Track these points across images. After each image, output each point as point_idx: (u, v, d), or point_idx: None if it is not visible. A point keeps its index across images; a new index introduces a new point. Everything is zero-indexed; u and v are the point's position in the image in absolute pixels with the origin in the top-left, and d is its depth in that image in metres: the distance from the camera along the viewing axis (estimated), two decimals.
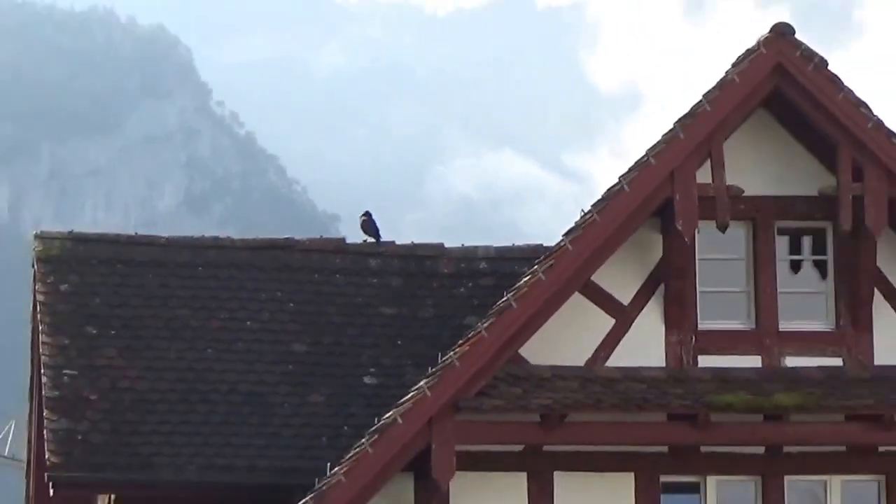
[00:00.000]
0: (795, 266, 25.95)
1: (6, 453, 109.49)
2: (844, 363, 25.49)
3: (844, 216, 25.21)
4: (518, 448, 24.93)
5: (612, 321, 25.41)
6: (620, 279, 25.50)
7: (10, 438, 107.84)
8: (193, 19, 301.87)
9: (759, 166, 25.74)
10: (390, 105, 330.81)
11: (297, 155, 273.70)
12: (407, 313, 28.45)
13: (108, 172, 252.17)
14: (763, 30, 26.08)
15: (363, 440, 24.46)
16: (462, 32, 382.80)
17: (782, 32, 25.59)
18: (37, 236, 29.82)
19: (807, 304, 25.80)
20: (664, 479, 25.28)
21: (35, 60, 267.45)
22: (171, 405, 27.47)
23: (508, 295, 25.15)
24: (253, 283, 29.15)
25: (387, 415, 24.64)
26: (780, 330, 25.61)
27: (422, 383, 24.63)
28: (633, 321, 25.48)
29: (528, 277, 25.27)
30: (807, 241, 25.96)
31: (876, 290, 25.59)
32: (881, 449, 25.29)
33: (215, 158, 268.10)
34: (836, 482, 25.45)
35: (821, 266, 25.90)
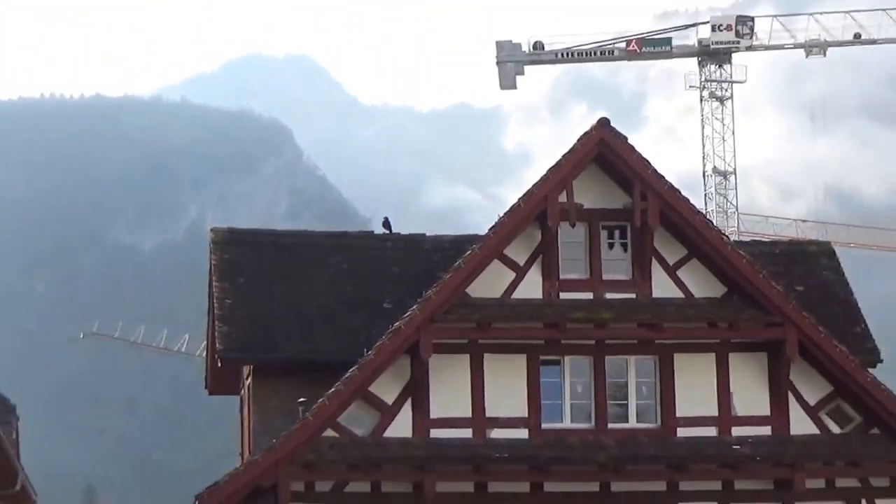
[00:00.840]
0: (611, 245, 25.76)
1: (184, 350, 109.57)
2: (636, 296, 25.49)
3: (636, 220, 25.23)
4: (465, 341, 24.92)
5: (514, 274, 25.38)
6: (519, 252, 25.41)
7: (186, 343, 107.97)
8: (293, 115, 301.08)
9: (591, 192, 25.61)
10: (397, 159, 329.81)
11: (347, 185, 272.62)
12: (406, 270, 28.14)
13: (248, 196, 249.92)
14: (593, 121, 26.17)
15: (384, 337, 24.55)
16: (434, 121, 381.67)
17: (603, 122, 25.58)
18: (212, 230, 29.59)
19: (616, 265, 25.69)
20: (542, 357, 25.27)
21: (206, 136, 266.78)
22: (285, 319, 27.40)
23: (459, 261, 25.15)
24: (328, 255, 28.86)
25: (396, 323, 24.69)
26: (603, 279, 25.58)
27: (414, 307, 24.69)
28: (525, 274, 25.43)
29: (469, 251, 25.25)
30: (617, 232, 25.78)
31: (653, 258, 25.63)
32: (656, 341, 25.33)
33: (306, 188, 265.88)
34: (632, 360, 25.48)
35: (624, 245, 25.73)
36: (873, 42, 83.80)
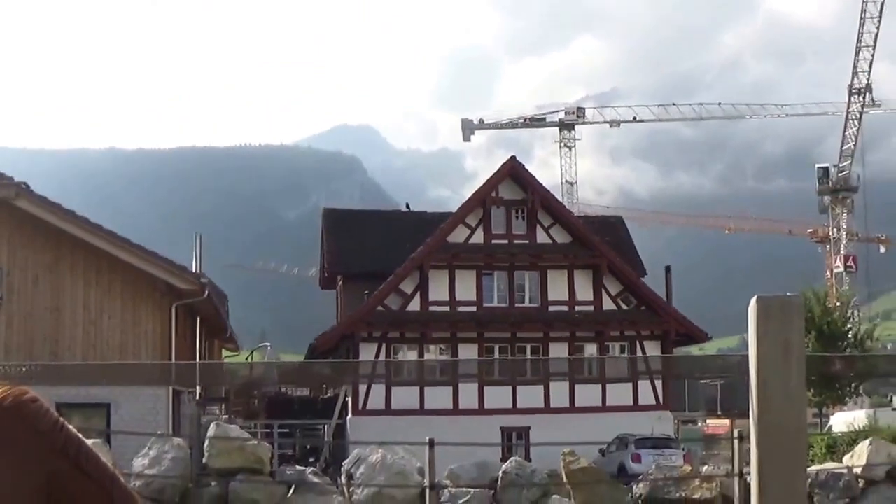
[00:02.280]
0: (517, 217, 25.16)
1: (295, 273, 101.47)
2: (529, 242, 25.06)
3: (529, 205, 24.87)
4: (445, 263, 24.50)
5: (469, 231, 24.88)
6: (472, 220, 24.91)
7: (297, 270, 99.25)
8: (362, 153, 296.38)
9: (507, 191, 24.95)
10: (413, 174, 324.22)
11: (388, 187, 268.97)
12: (418, 229, 26.94)
13: (340, 192, 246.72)
14: (506, 156, 25.80)
15: (406, 262, 24.10)
16: (431, 155, 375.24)
17: (513, 158, 25.31)
18: (323, 208, 29.18)
19: (519, 226, 25.15)
20: (483, 272, 24.86)
21: (320, 164, 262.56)
22: (358, 251, 26.53)
23: (442, 224, 24.77)
24: (378, 221, 28.21)
25: (412, 255, 24.28)
26: (513, 233, 25.11)
27: (420, 247, 24.26)
28: (475, 231, 24.96)
29: (448, 220, 24.92)
30: (520, 211, 25.23)
31: (537, 223, 25.22)
32: (539, 264, 24.91)
33: (367, 189, 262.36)
34: (527, 273, 25.04)
35: (523, 217, 25.15)
36: (642, 121, 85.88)
